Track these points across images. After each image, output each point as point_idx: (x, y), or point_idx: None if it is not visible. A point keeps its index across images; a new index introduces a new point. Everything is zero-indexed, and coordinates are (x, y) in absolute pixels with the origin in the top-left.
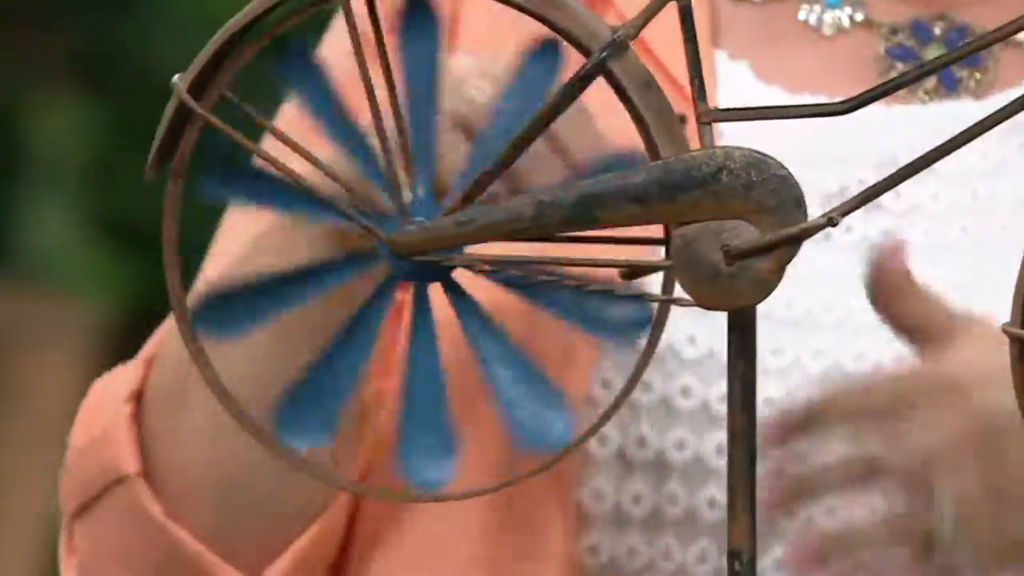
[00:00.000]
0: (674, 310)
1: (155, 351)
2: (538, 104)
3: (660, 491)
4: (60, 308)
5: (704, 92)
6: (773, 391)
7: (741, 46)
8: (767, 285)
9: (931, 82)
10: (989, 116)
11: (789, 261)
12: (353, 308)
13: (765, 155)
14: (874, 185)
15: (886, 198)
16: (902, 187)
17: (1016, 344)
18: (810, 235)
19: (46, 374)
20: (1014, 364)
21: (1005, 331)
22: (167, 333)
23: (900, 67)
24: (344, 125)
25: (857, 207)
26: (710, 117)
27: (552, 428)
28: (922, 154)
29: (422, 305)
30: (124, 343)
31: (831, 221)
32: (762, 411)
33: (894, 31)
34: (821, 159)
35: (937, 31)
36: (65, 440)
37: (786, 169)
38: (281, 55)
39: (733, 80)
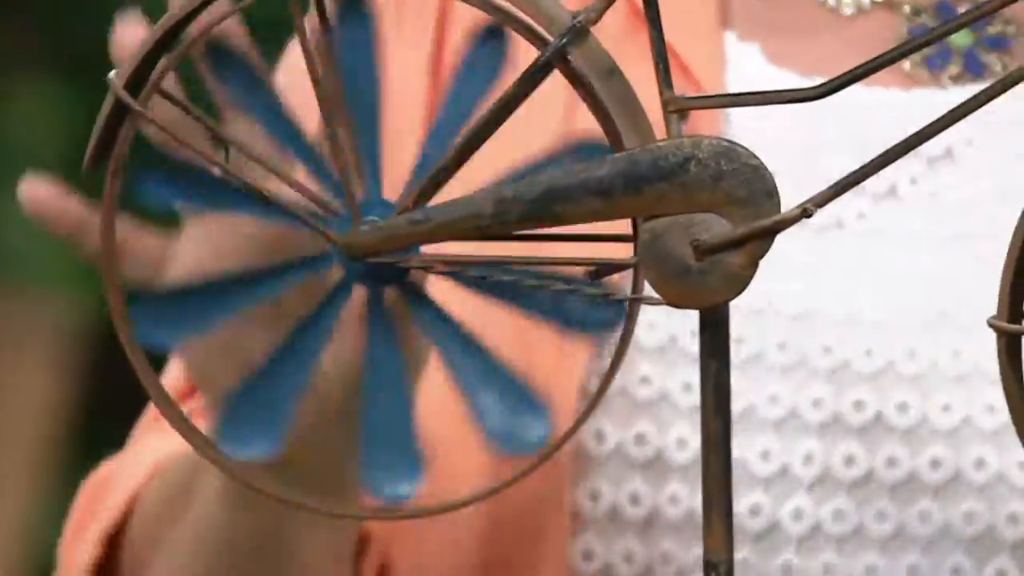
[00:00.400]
0: None
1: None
2: (488, 93)
3: (660, 492)
4: (34, 306)
5: (669, 79)
6: (777, 388)
7: (752, 27)
8: (739, 281)
9: (955, 68)
10: (973, 97)
11: (763, 255)
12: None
13: (735, 144)
14: (852, 172)
15: (902, 187)
16: (920, 174)
17: (1003, 337)
18: (784, 227)
19: (20, 373)
20: (1000, 357)
21: (991, 324)
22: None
23: (925, 50)
24: (282, 123)
25: (833, 197)
26: (677, 105)
27: (528, 431)
28: (903, 139)
29: (377, 309)
30: (101, 342)
31: (805, 212)
32: (768, 409)
33: (917, 12)
34: (833, 145)
35: (962, 12)
36: (41, 439)
37: (758, 159)
38: (206, 54)
39: (742, 64)
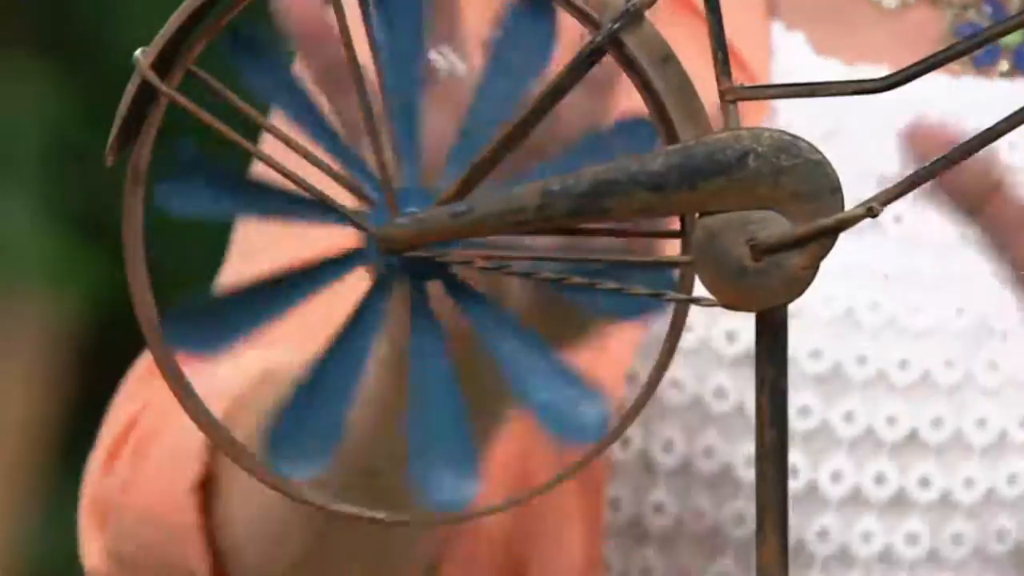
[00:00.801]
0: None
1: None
2: (535, 74)
3: (685, 503)
4: (18, 306)
5: (728, 68)
6: (808, 399)
7: (798, 17)
8: (799, 283)
9: (1006, 64)
10: None
11: (824, 255)
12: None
13: (797, 137)
14: (919, 170)
15: None
16: None
17: None
18: (848, 226)
19: (3, 376)
20: None
21: None
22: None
23: None
24: (309, 111)
25: (901, 195)
26: (735, 95)
27: (585, 417)
28: (979, 132)
29: (421, 305)
30: (91, 345)
31: (871, 211)
32: (796, 421)
33: (965, 7)
34: (879, 139)
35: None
36: (24, 445)
37: (820, 153)
38: (230, 42)
39: (789, 53)
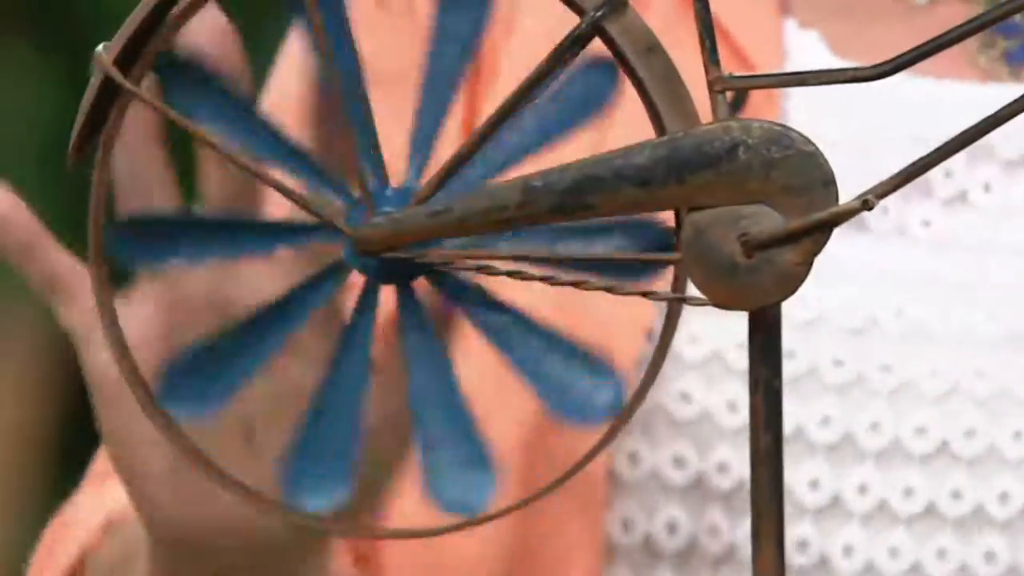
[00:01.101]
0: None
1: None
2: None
3: (699, 521)
4: (11, 308)
5: (716, 56)
6: (830, 409)
7: (813, 14)
8: (793, 280)
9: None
10: None
11: (819, 251)
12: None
13: (788, 128)
14: (914, 162)
15: (974, 193)
16: (994, 180)
17: None
18: (842, 220)
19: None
20: None
21: None
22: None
23: (1004, 43)
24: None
25: (897, 188)
26: (724, 85)
27: (599, 395)
28: (963, 130)
29: (410, 306)
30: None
31: (866, 204)
32: (819, 432)
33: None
34: (895, 140)
35: None
36: (18, 450)
37: (813, 144)
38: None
39: (803, 52)
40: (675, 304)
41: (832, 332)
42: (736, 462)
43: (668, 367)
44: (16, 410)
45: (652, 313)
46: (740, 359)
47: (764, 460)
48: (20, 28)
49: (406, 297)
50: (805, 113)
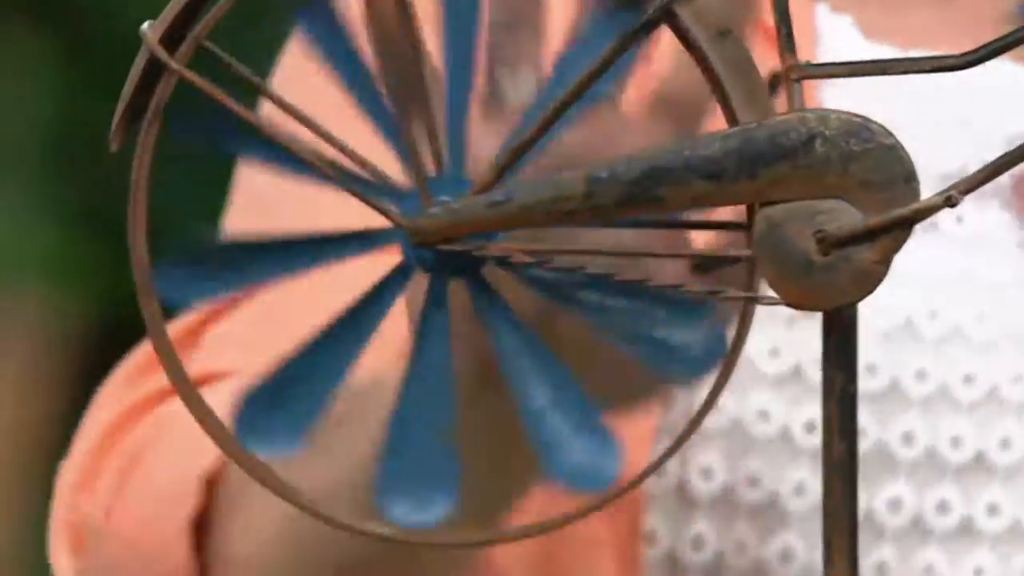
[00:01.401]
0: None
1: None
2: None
3: (725, 535)
4: (14, 305)
5: (792, 43)
6: (863, 419)
7: None
8: (871, 279)
9: None
10: None
11: (898, 249)
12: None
13: (868, 120)
14: (1003, 156)
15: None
16: None
17: None
18: (924, 217)
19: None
20: None
21: None
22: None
23: None
24: (366, 87)
25: (983, 183)
26: (801, 73)
27: (602, 465)
28: None
29: (438, 306)
30: (91, 345)
31: (950, 200)
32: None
33: None
34: (936, 132)
35: None
36: (21, 448)
37: (894, 137)
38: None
39: (835, 37)
40: (749, 306)
41: (863, 337)
42: (766, 475)
43: (746, 382)
44: (17, 410)
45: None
46: (769, 364)
47: (838, 469)
48: (24, 9)
49: (438, 296)
50: (842, 100)
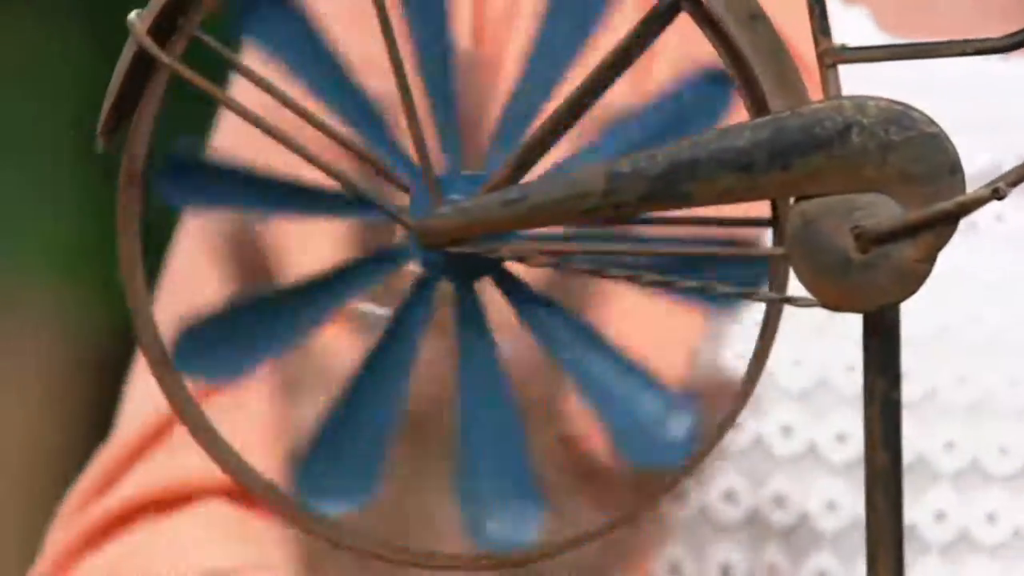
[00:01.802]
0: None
1: None
2: (588, 40)
3: (755, 561)
4: (26, 300)
5: (827, 24)
6: (903, 425)
7: None
8: (913, 278)
9: None
10: None
11: (942, 246)
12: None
13: (909, 107)
14: None
15: None
16: None
17: None
18: (970, 211)
19: (9, 375)
20: None
21: None
22: None
23: None
24: (337, 81)
25: None
26: (836, 57)
27: (671, 437)
28: None
29: (471, 310)
30: (105, 344)
31: (997, 193)
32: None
33: None
34: (969, 125)
35: None
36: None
37: (937, 126)
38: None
39: (848, 29)
40: (775, 307)
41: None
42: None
43: (766, 398)
44: (18, 411)
45: (696, 331)
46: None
47: (880, 481)
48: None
49: (466, 297)
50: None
